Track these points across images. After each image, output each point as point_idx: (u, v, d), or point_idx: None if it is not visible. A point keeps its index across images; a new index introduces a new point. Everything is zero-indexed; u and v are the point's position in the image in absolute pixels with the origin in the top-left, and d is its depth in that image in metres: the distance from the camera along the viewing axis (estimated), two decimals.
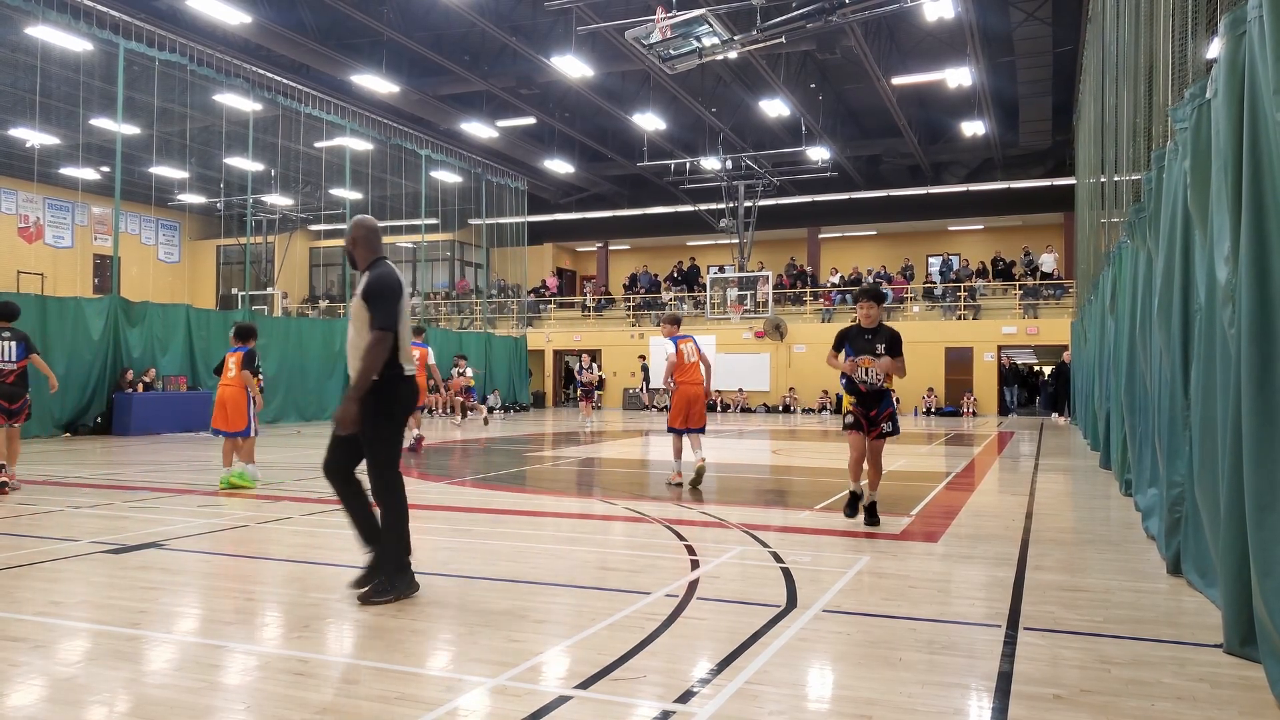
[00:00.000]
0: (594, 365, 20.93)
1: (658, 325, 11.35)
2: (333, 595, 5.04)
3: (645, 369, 32.14)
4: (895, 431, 7.09)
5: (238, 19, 18.75)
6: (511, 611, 4.62)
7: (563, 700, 3.38)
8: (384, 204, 33.01)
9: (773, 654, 3.94)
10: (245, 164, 25.93)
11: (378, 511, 4.96)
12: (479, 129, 27.05)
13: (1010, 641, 4.14)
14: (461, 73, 23.56)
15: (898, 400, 21.34)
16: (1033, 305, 29.61)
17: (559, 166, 31.28)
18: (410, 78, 23.80)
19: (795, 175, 30.41)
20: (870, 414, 7.00)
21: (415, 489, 9.64)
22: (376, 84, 22.55)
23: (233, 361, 9.86)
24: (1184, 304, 5.17)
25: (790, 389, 30.23)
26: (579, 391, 21.57)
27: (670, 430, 9.97)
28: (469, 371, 21.74)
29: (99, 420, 17.66)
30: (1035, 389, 34.37)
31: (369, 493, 5.00)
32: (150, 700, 3.42)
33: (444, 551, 6.26)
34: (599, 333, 33.90)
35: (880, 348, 6.90)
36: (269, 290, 33.77)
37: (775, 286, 31.28)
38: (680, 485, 9.64)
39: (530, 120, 27.91)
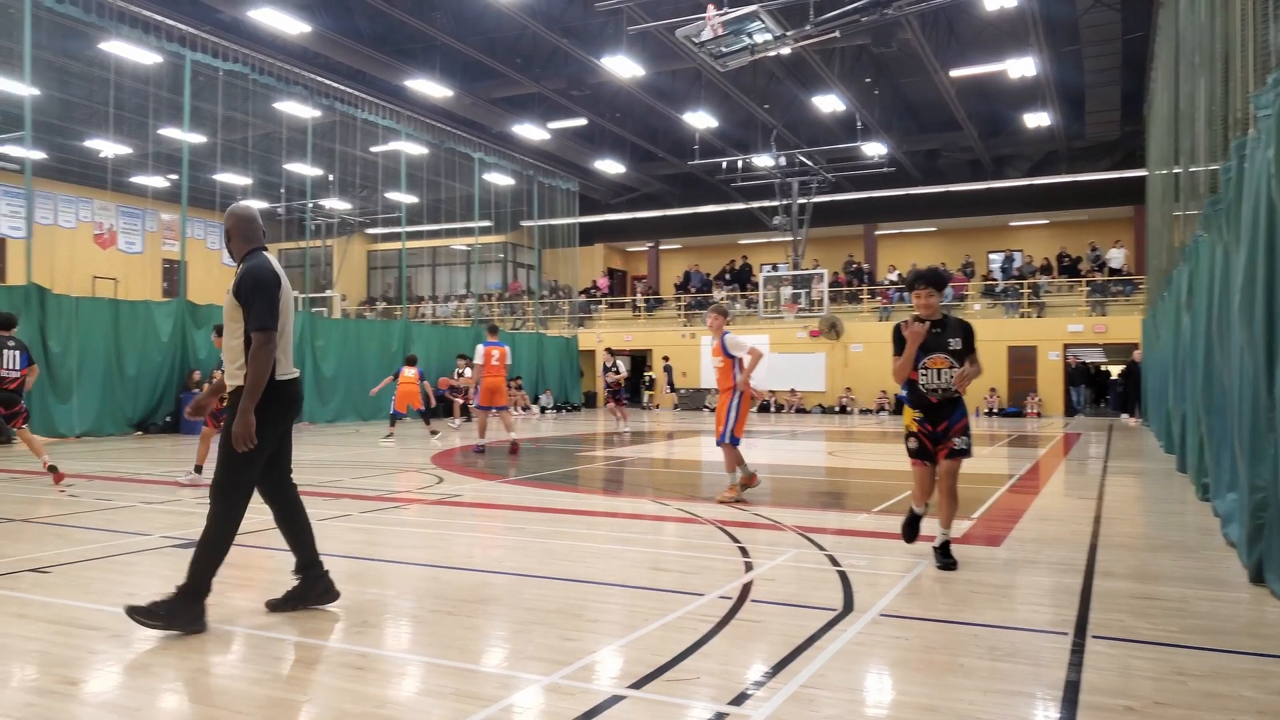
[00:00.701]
0: (617, 363, 19.76)
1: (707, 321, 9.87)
2: (390, 591, 5.11)
3: (668, 369, 31.99)
4: (967, 451, 5.73)
5: (297, 29, 19.12)
6: (565, 610, 4.64)
7: (616, 699, 3.38)
8: (438, 207, 33.43)
9: (829, 658, 3.89)
10: (304, 169, 26.42)
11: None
12: (531, 131, 27.23)
13: (1078, 650, 4.02)
14: (513, 75, 23.75)
15: None
16: (1100, 302, 28.84)
17: (610, 167, 31.36)
18: (463, 81, 24.06)
19: (851, 171, 30.06)
20: (939, 428, 5.73)
21: (472, 487, 9.75)
22: (430, 88, 22.84)
23: None
24: (1268, 300, 4.93)
25: (847, 389, 29.89)
26: (605, 393, 20.40)
27: (734, 441, 8.73)
28: (468, 373, 21.25)
29: (169, 419, 18.15)
30: (1104, 389, 33.44)
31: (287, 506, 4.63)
32: (217, 690, 3.51)
33: (498, 549, 6.31)
34: (649, 333, 33.91)
35: (954, 343, 5.67)
36: (328, 293, 34.39)
37: (831, 284, 30.95)
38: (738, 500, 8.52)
39: (581, 121, 28.03)
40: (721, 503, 8.40)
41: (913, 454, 5.81)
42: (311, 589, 4.65)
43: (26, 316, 15.51)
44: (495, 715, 3.25)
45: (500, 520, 7.59)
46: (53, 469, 9.28)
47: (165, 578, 5.46)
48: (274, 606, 4.58)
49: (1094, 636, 4.22)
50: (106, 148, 27.12)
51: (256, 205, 33.52)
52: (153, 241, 34.52)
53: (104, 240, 32.57)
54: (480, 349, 13.73)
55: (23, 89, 17.36)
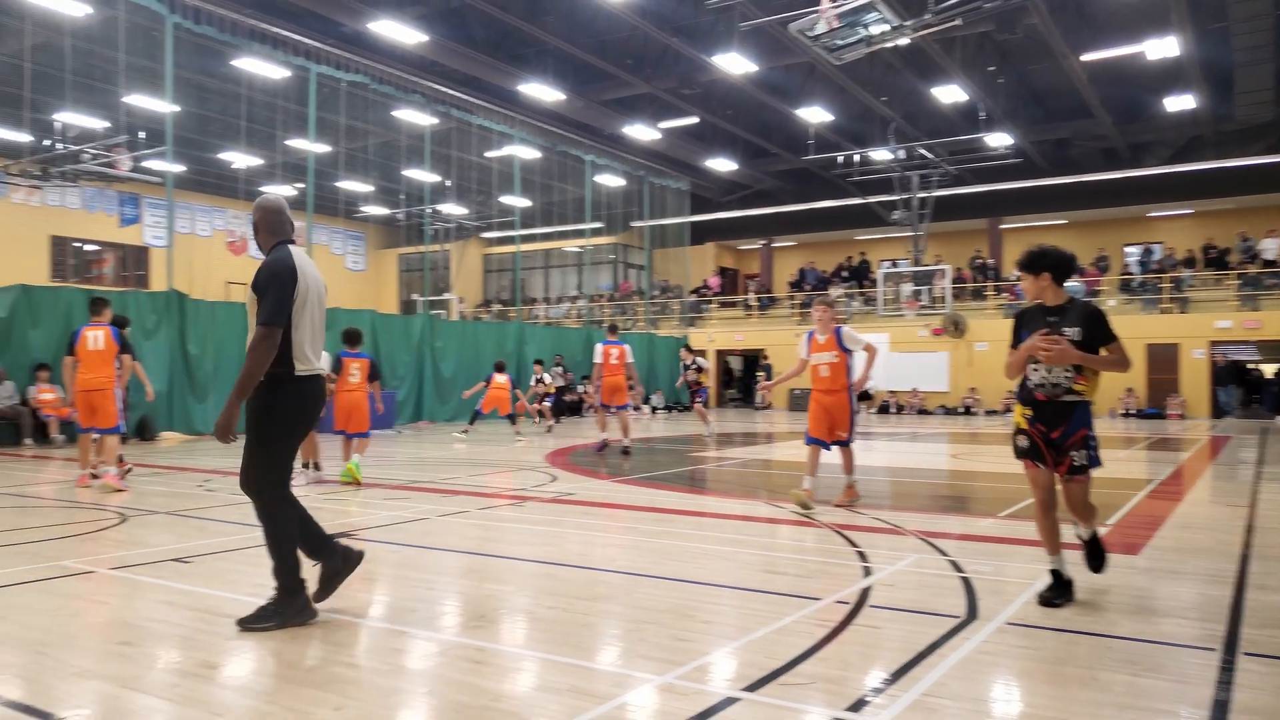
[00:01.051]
0: (697, 360, 18.65)
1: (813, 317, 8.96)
2: (507, 587, 5.19)
3: (767, 368, 31.46)
4: (1092, 464, 4.72)
5: (415, 38, 19.73)
6: (678, 610, 4.61)
7: (730, 702, 3.34)
8: (550, 210, 33.95)
9: (951, 666, 3.74)
10: (422, 175, 27.25)
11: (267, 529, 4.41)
12: (641, 131, 27.36)
13: (1227, 668, 3.75)
14: (624, 76, 23.90)
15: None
16: (1252, 296, 26.92)
17: (721, 165, 31.21)
18: (575, 84, 24.35)
19: (974, 163, 29.02)
20: (1054, 433, 4.74)
21: (585, 486, 9.84)
22: (543, 92, 23.20)
23: (356, 367, 10.17)
24: None
25: (971, 389, 28.89)
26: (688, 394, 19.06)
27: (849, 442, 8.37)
28: (546, 379, 20.50)
29: None
30: (1256, 389, 31.25)
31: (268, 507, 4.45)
32: (342, 679, 3.62)
33: (611, 548, 6.33)
34: (762, 332, 33.59)
35: (1072, 333, 4.63)
36: (445, 295, 35.37)
37: (954, 281, 29.99)
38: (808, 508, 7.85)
39: (692, 120, 27.99)
40: (839, 506, 8.07)
41: (1022, 453, 4.86)
42: (340, 564, 4.54)
43: (167, 321, 16.50)
44: (609, 713, 3.25)
45: (612, 519, 7.62)
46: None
47: None
48: (318, 598, 4.51)
49: (1246, 654, 3.92)
50: (239, 159, 28.60)
51: (376, 211, 34.68)
52: None
53: (236, 247, 34.38)
54: (599, 348, 13.67)
55: (164, 106, 18.47)
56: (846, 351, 8.09)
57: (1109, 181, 30.21)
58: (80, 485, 9.42)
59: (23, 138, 22.89)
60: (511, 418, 17.68)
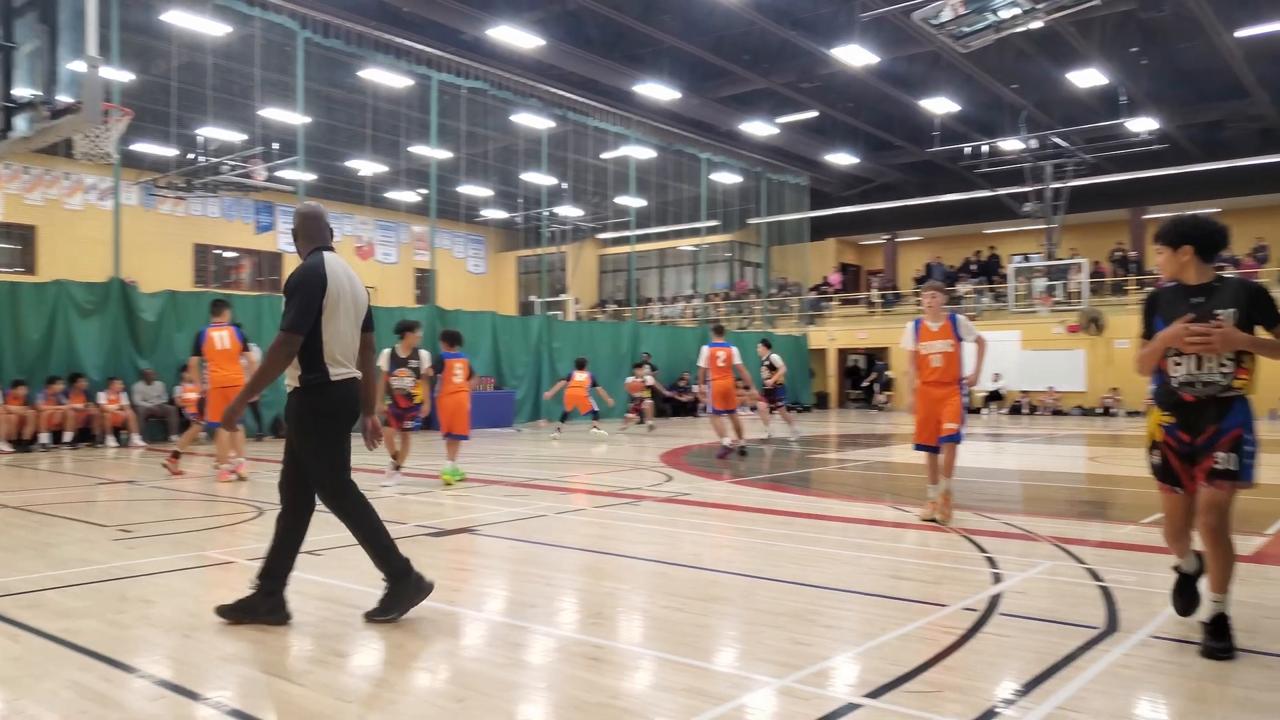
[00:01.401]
0: (771, 358, 16.82)
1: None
2: (623, 585, 5.21)
3: (880, 367, 30.47)
4: (1244, 475, 3.85)
5: (532, 43, 20.09)
6: (798, 614, 4.52)
7: (852, 707, 3.25)
8: (665, 209, 34.01)
9: (1089, 679, 3.54)
10: (540, 179, 27.71)
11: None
12: (758, 128, 27.09)
13: None
14: (741, 73, 23.72)
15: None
16: None
17: (842, 159, 30.63)
18: (690, 82, 24.31)
19: (1113, 151, 27.53)
20: (1198, 439, 3.94)
21: (700, 486, 9.80)
22: (658, 92, 23.26)
23: (459, 368, 10.18)
24: None
25: (1112, 389, 27.43)
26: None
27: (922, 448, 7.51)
28: (649, 379, 19.72)
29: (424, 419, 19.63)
30: None
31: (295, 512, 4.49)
32: (464, 672, 3.70)
33: (727, 549, 6.28)
34: (885, 330, 32.77)
35: (1227, 315, 3.83)
36: (562, 296, 35.90)
37: (1091, 275, 28.57)
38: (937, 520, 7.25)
39: (811, 114, 27.55)
40: (927, 520, 7.24)
41: (1156, 474, 4.09)
42: (264, 603, 4.35)
43: None
44: (727, 714, 3.21)
45: (729, 520, 7.56)
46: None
47: (423, 563, 5.84)
48: (222, 613, 4.35)
49: None
50: (365, 167, 29.75)
51: (495, 215, 35.43)
52: (405, 252, 37.56)
53: (363, 252, 35.84)
54: (705, 351, 13.35)
55: (296, 118, 19.36)
56: (961, 341, 7.36)
57: (1268, 165, 28.13)
58: (221, 480, 9.90)
59: (169, 152, 24.41)
60: (595, 414, 17.68)
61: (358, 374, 4.51)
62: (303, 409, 4.30)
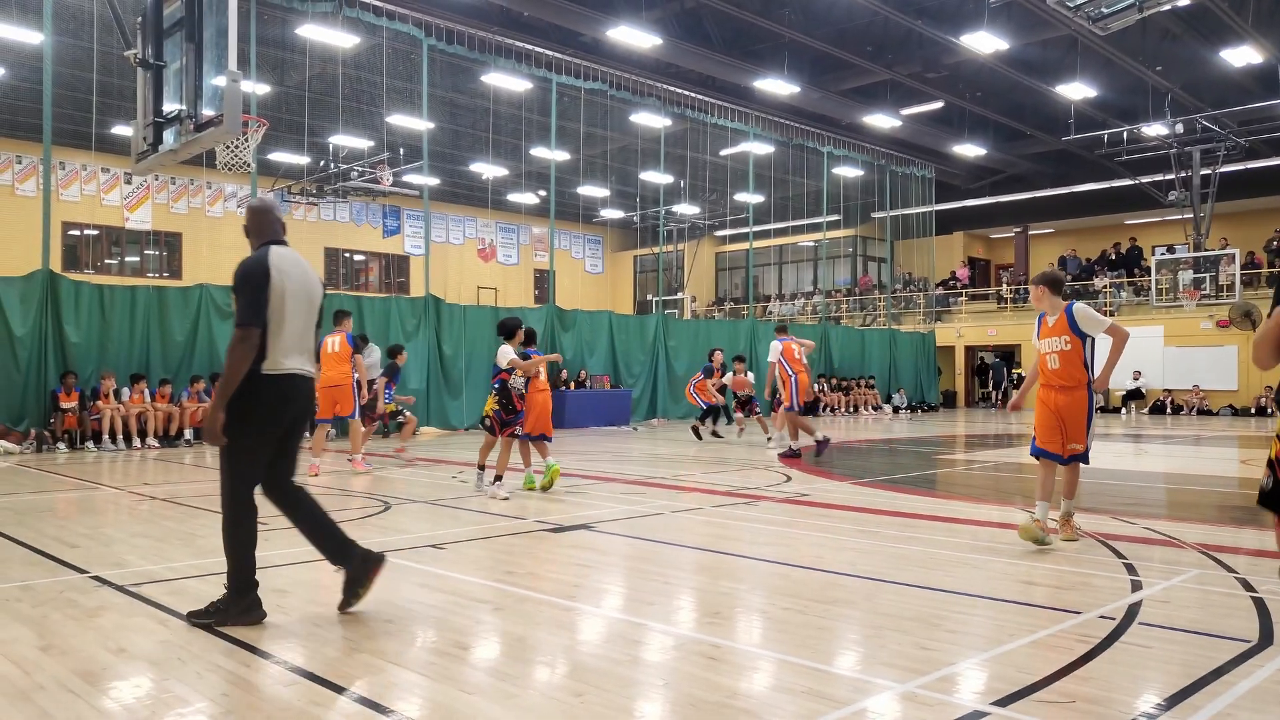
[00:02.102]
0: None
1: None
2: (741, 585, 5.16)
3: (997, 365, 28.95)
4: None
5: (650, 42, 20.17)
6: (922, 618, 4.38)
7: (979, 716, 3.13)
8: (785, 205, 33.57)
9: (1240, 695, 3.31)
10: (657, 177, 27.80)
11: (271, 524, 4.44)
12: (882, 120, 26.47)
13: None
14: (864, 65, 23.23)
15: None
16: None
17: (970, 150, 29.62)
18: (811, 76, 23.95)
19: (1271, 133, 25.71)
20: None
21: (821, 486, 9.64)
22: (778, 87, 23.00)
23: (542, 367, 9.79)
24: None
25: (1267, 388, 25.63)
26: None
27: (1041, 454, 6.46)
28: (750, 376, 16.78)
29: None
30: None
31: (295, 504, 4.47)
32: (583, 667, 3.72)
33: (848, 551, 6.14)
34: (1017, 326, 31.52)
35: None
36: (679, 295, 35.92)
37: (1244, 266, 26.75)
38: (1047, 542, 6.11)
39: (937, 105, 26.74)
40: (1067, 539, 6.27)
41: (1266, 500, 3.10)
42: (359, 570, 4.42)
43: (425, 323, 17.85)
44: (847, 718, 3.14)
45: (850, 522, 7.39)
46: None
47: (538, 558, 5.97)
48: (343, 607, 4.43)
49: None
50: (487, 170, 30.49)
51: (613, 215, 35.67)
52: (525, 253, 38.33)
53: (485, 254, 36.77)
54: (777, 345, 12.74)
55: (421, 124, 20.00)
56: (1081, 337, 6.25)
57: None
58: (311, 474, 10.27)
59: (302, 160, 25.61)
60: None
61: (302, 370, 4.39)
62: (235, 399, 4.20)
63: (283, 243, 4.48)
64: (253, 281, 4.21)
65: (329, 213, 30.70)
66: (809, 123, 27.35)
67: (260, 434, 4.28)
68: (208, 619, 4.21)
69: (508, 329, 8.72)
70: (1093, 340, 6.27)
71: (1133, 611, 4.46)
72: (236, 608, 4.23)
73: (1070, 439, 6.27)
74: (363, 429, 11.56)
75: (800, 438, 12.96)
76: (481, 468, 8.93)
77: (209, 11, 7.17)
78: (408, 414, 13.52)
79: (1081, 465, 6.42)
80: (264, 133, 10.82)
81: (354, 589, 4.44)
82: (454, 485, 9.71)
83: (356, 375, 11.13)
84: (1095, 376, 6.32)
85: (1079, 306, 6.31)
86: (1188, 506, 8.51)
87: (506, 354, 8.54)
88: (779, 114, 26.15)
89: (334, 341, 10.97)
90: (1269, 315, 3.17)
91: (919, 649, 3.89)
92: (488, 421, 8.66)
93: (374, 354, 12.90)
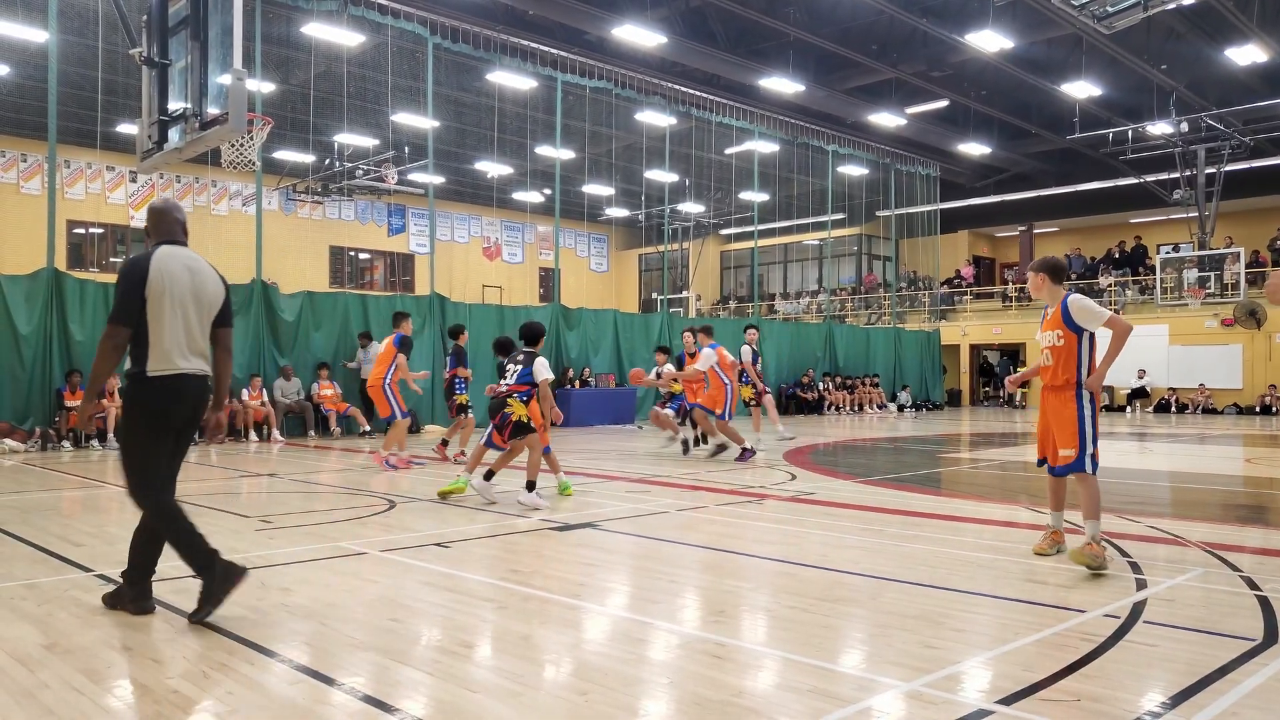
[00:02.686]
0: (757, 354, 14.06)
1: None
2: (746, 584, 5.15)
3: (1003, 364, 28.77)
4: None
5: (655, 40, 20.15)
6: (926, 617, 4.38)
7: (984, 714, 3.13)
8: (790, 203, 33.55)
9: (1245, 694, 3.30)
10: (662, 176, 27.78)
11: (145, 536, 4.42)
12: (887, 118, 26.44)
13: None
14: (869, 63, 23.21)
15: None
16: None
17: (974, 149, 29.58)
18: (816, 75, 23.92)
19: (1275, 132, 25.61)
20: None
21: (826, 487, 9.63)
22: (783, 85, 22.98)
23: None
24: None
25: (1271, 386, 25.59)
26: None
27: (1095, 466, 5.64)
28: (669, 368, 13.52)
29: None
30: None
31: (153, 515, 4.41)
32: (588, 665, 3.73)
33: (853, 550, 6.13)
34: (1022, 324, 31.47)
35: None
36: (684, 294, 35.89)
37: (1249, 265, 26.67)
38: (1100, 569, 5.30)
39: (942, 103, 26.70)
40: (1094, 569, 5.28)
41: None
42: (219, 583, 4.28)
43: (431, 322, 17.87)
44: (852, 716, 3.14)
45: (855, 520, 7.38)
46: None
47: (543, 556, 5.98)
48: (195, 618, 4.26)
49: None
50: (492, 168, 30.50)
51: (618, 214, 35.68)
52: (530, 252, 38.36)
53: (490, 252, 36.79)
54: (710, 353, 11.71)
55: (426, 122, 20.00)
56: (1077, 331, 5.57)
57: None
58: (400, 466, 10.91)
59: (307, 158, 25.63)
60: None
61: (192, 370, 4.38)
62: (125, 401, 4.34)
63: (179, 243, 4.49)
64: (125, 282, 4.24)
65: (334, 211, 30.73)
66: (814, 121, 27.32)
67: (149, 432, 4.32)
68: (206, 610, 4.23)
69: (535, 335, 8.25)
70: (1092, 336, 5.60)
71: (1137, 610, 4.46)
72: (211, 591, 4.24)
73: (1060, 444, 5.60)
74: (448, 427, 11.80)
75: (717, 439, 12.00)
76: (490, 474, 8.25)
77: (214, 10, 7.17)
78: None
79: (1094, 477, 5.53)
80: (269, 131, 10.80)
81: (210, 599, 4.30)
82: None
83: (389, 376, 11.16)
84: (1086, 375, 5.59)
85: (1074, 298, 5.62)
86: (1192, 505, 8.49)
87: (546, 365, 8.09)
88: (784, 112, 26.12)
89: (384, 343, 11.35)
90: None
91: (924, 647, 3.89)
92: (528, 425, 8.03)
93: (372, 351, 12.92)
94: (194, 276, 4.42)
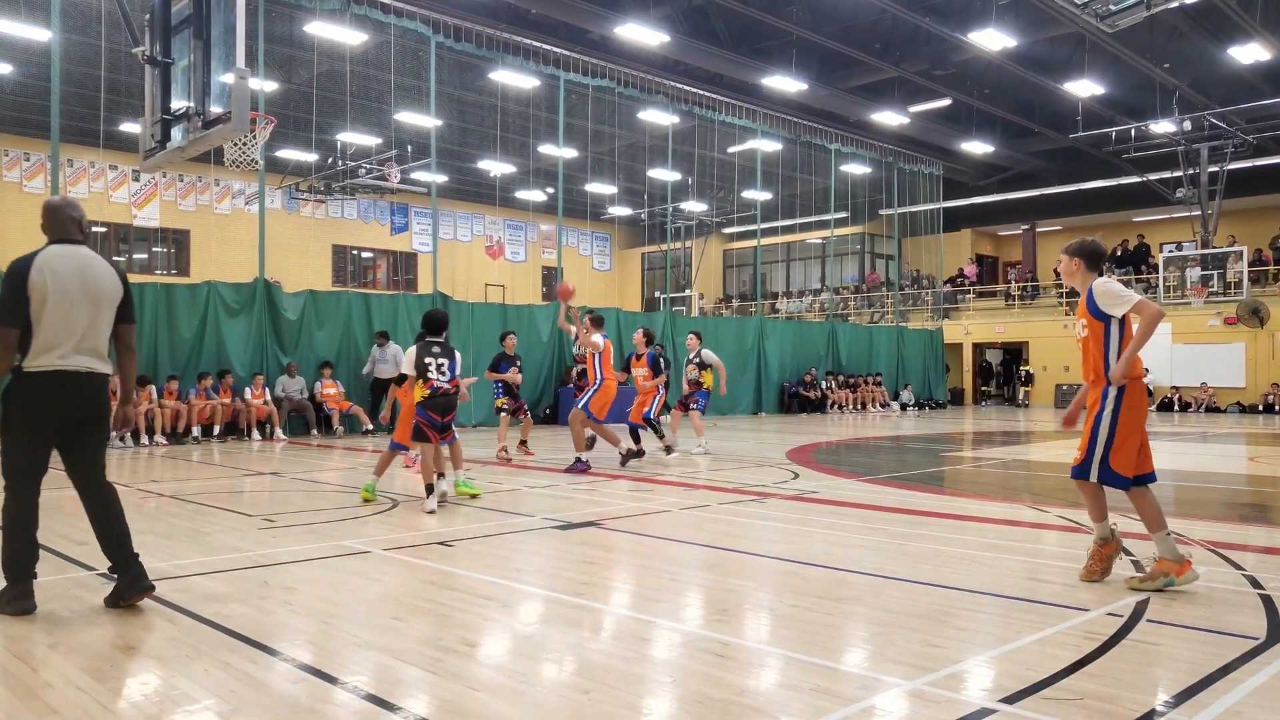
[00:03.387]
0: (701, 354, 13.66)
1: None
2: (749, 582, 5.15)
3: (1006, 363, 28.52)
4: None
5: (658, 40, 20.14)
6: (930, 615, 4.37)
7: (986, 713, 3.13)
8: (793, 202, 33.54)
9: (1248, 692, 3.30)
10: (665, 175, 27.76)
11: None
12: (889, 117, 26.42)
13: None
14: (872, 62, 23.18)
15: None
16: None
17: (977, 147, 29.55)
18: (819, 73, 23.90)
19: (1278, 131, 25.56)
20: None
21: (828, 485, 9.61)
22: (786, 84, 22.96)
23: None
24: None
25: (1274, 385, 25.55)
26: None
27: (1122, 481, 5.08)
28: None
29: (548, 411, 19.94)
30: None
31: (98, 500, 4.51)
32: (591, 664, 3.73)
33: (856, 548, 6.13)
34: (1024, 324, 31.45)
35: None
36: (687, 292, 35.87)
37: (1252, 263, 26.61)
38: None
39: (945, 102, 26.67)
40: (1135, 589, 4.90)
41: None
42: (128, 586, 4.43)
43: None
44: (855, 715, 3.14)
45: (858, 519, 7.38)
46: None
47: (545, 555, 5.98)
48: (109, 603, 4.47)
49: None
50: (494, 167, 30.49)
51: (620, 212, 35.60)
52: (533, 250, 38.37)
53: (493, 251, 36.79)
54: (600, 340, 10.95)
55: (429, 121, 19.99)
56: (1103, 320, 4.99)
57: None
58: (407, 466, 10.57)
59: (310, 157, 25.64)
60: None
61: (74, 368, 4.37)
62: (5, 395, 4.36)
63: (74, 241, 4.48)
64: (7, 283, 4.27)
65: (337, 210, 30.76)
66: (817, 120, 27.30)
67: (25, 427, 4.33)
68: None
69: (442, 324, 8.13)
70: (1121, 323, 4.97)
71: (1140, 609, 4.45)
72: (5, 596, 4.32)
73: (1080, 444, 5.09)
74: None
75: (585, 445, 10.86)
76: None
77: (217, 9, 7.17)
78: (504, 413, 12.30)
79: (1096, 485, 5.09)
80: (272, 130, 10.84)
81: (116, 599, 4.45)
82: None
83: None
84: (1113, 366, 4.95)
85: (1099, 282, 5.05)
86: (1195, 504, 8.48)
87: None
88: (787, 111, 26.10)
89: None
90: None
91: (927, 646, 3.89)
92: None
93: (389, 351, 12.78)
94: (85, 274, 4.40)
